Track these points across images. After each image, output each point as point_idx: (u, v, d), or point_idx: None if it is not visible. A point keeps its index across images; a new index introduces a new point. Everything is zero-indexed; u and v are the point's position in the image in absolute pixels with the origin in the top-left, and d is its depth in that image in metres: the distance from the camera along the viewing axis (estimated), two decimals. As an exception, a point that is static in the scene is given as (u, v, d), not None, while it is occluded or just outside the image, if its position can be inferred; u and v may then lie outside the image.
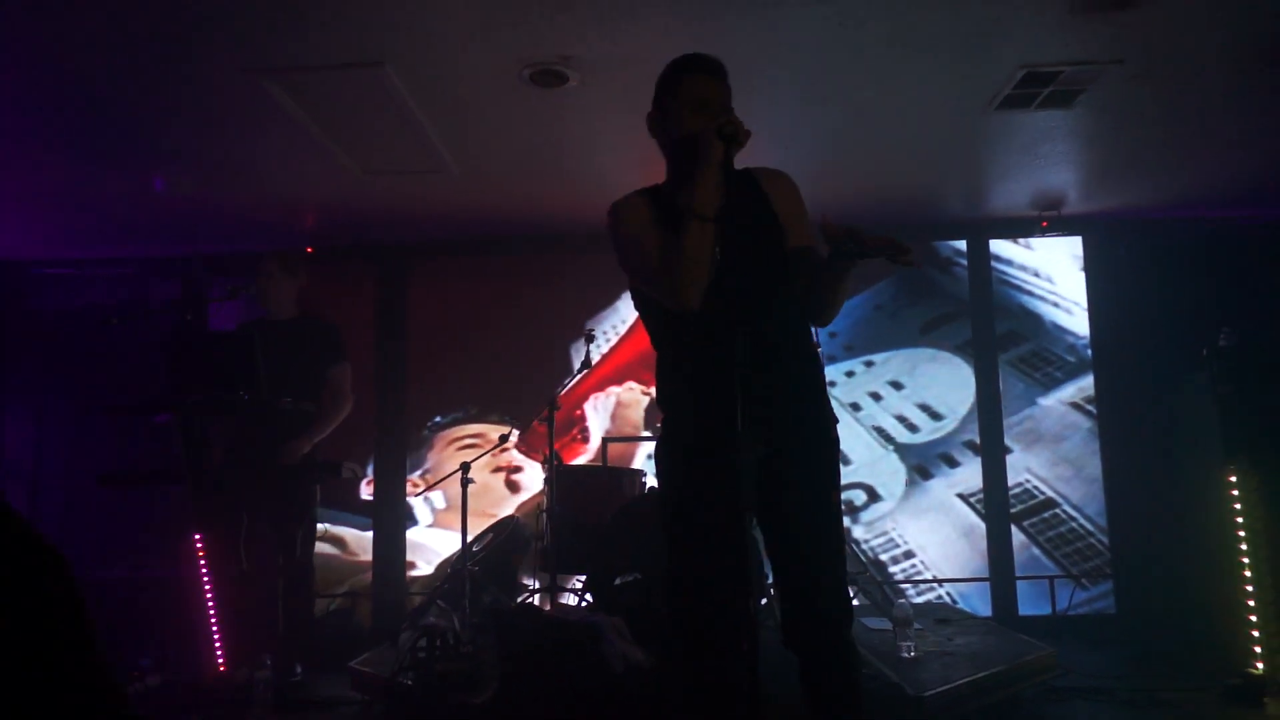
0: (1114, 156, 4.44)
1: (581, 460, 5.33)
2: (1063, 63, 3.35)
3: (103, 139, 3.86)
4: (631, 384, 5.45)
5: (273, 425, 3.77)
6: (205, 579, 3.52)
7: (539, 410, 4.48)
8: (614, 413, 5.44)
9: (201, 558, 3.52)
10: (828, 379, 4.81)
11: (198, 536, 3.51)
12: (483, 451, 4.65)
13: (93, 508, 4.54)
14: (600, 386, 5.45)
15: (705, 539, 1.93)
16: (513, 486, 5.38)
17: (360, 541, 5.38)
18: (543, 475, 5.29)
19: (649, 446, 5.30)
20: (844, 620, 1.96)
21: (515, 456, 5.38)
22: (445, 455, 5.45)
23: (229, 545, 3.70)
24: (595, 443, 5.38)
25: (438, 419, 5.50)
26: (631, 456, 5.34)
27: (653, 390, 5.23)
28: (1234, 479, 3.61)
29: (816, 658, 1.95)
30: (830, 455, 2.04)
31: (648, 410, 5.40)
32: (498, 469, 5.36)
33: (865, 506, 5.24)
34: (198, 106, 3.59)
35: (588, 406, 5.45)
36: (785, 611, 1.99)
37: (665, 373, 2.11)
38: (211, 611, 3.51)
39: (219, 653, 3.52)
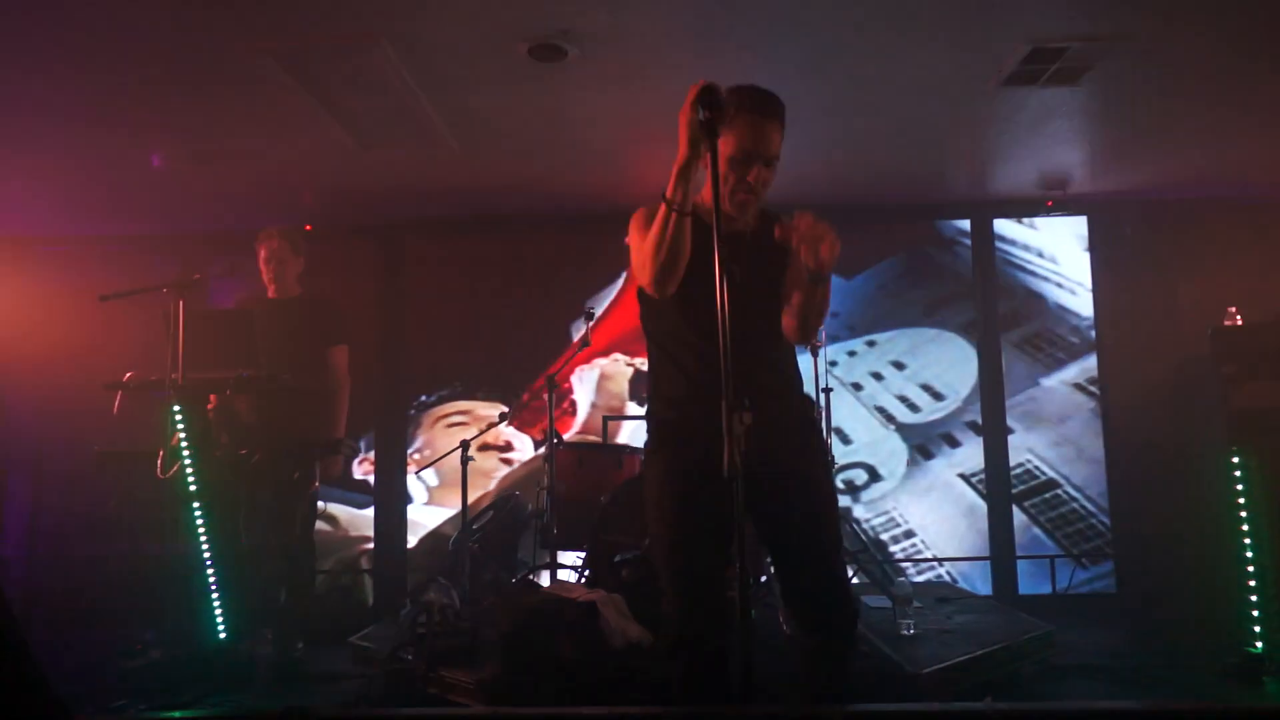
0: (1121, 135, 4.40)
1: (571, 433, 5.34)
2: (1070, 38, 3.30)
3: (99, 115, 3.82)
4: (617, 355, 5.44)
5: (273, 403, 3.77)
6: (207, 554, 3.54)
7: (536, 388, 4.47)
8: (599, 385, 5.43)
9: (203, 533, 3.53)
10: (829, 358, 4.83)
11: (199, 512, 3.53)
12: (481, 430, 4.65)
13: (95, 483, 4.55)
14: (587, 359, 5.43)
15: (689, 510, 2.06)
16: (506, 463, 5.38)
17: (352, 519, 5.38)
18: (534, 450, 5.31)
19: (640, 422, 5.30)
20: (852, 631, 2.14)
21: (505, 432, 5.36)
22: (435, 433, 5.45)
23: (230, 520, 3.71)
24: (582, 414, 5.38)
25: (423, 398, 5.49)
26: (617, 430, 5.33)
27: (636, 361, 5.28)
28: (1236, 459, 3.60)
29: (823, 655, 2.12)
30: (824, 472, 2.23)
31: (632, 381, 5.40)
32: (486, 446, 5.32)
33: (866, 486, 5.24)
34: (194, 80, 3.55)
35: (574, 378, 5.45)
36: (799, 618, 2.15)
37: (660, 370, 2.21)
38: (213, 586, 3.53)
39: (221, 627, 3.55)
